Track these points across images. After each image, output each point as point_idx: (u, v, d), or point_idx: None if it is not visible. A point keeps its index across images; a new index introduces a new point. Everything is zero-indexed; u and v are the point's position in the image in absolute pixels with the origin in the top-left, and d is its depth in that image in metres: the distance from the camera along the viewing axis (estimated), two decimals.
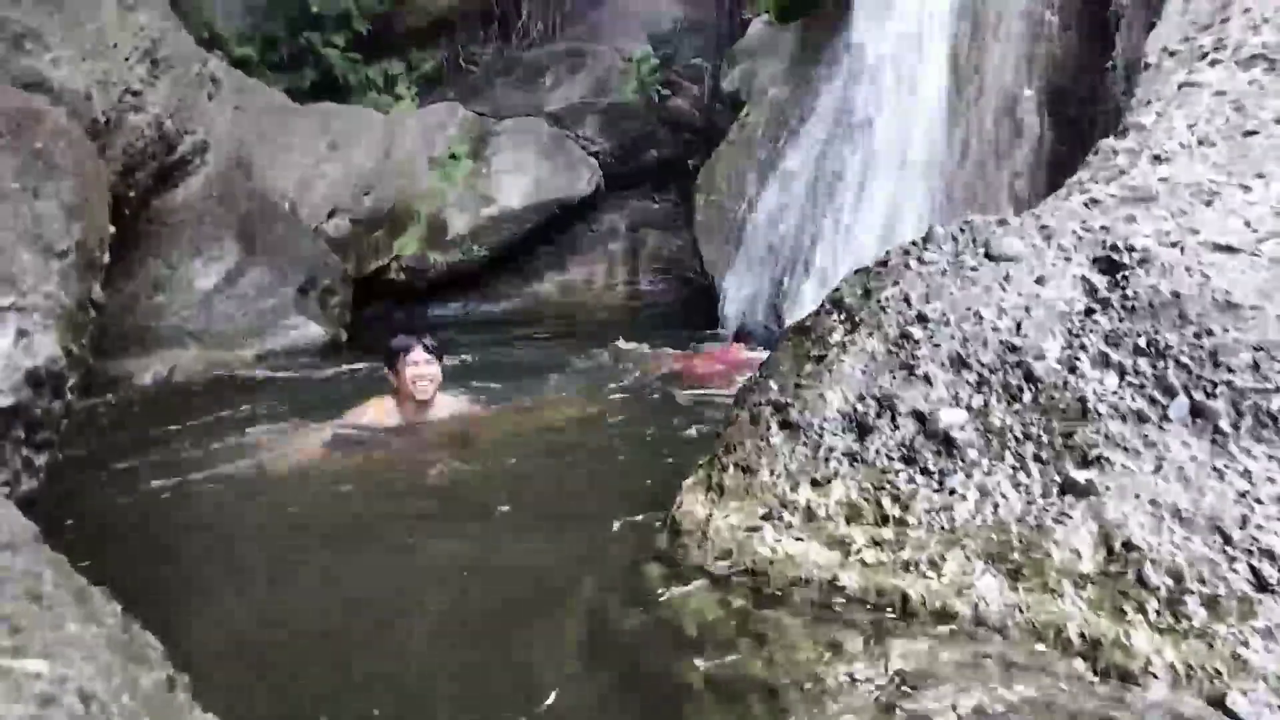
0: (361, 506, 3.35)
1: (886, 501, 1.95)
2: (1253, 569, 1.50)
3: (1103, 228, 2.30)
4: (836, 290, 2.62)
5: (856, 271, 2.67)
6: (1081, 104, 6.02)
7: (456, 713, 1.84)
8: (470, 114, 9.96)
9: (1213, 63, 3.33)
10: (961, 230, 2.52)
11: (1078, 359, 1.99)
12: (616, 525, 2.65)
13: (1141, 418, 1.83)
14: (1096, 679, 1.49)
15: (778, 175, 7.33)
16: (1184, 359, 1.86)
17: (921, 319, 2.28)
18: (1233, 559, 1.52)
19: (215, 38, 9.12)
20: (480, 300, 10.07)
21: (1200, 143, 2.67)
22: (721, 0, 10.22)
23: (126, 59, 6.03)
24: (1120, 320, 2.01)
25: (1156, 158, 2.73)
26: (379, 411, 4.33)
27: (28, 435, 1.86)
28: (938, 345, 2.19)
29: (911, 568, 1.77)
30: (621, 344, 6.55)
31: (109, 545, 2.20)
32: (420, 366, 4.22)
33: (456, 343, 7.82)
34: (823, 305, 2.63)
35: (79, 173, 2.39)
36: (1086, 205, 2.45)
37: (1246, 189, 2.30)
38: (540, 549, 2.65)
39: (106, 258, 2.48)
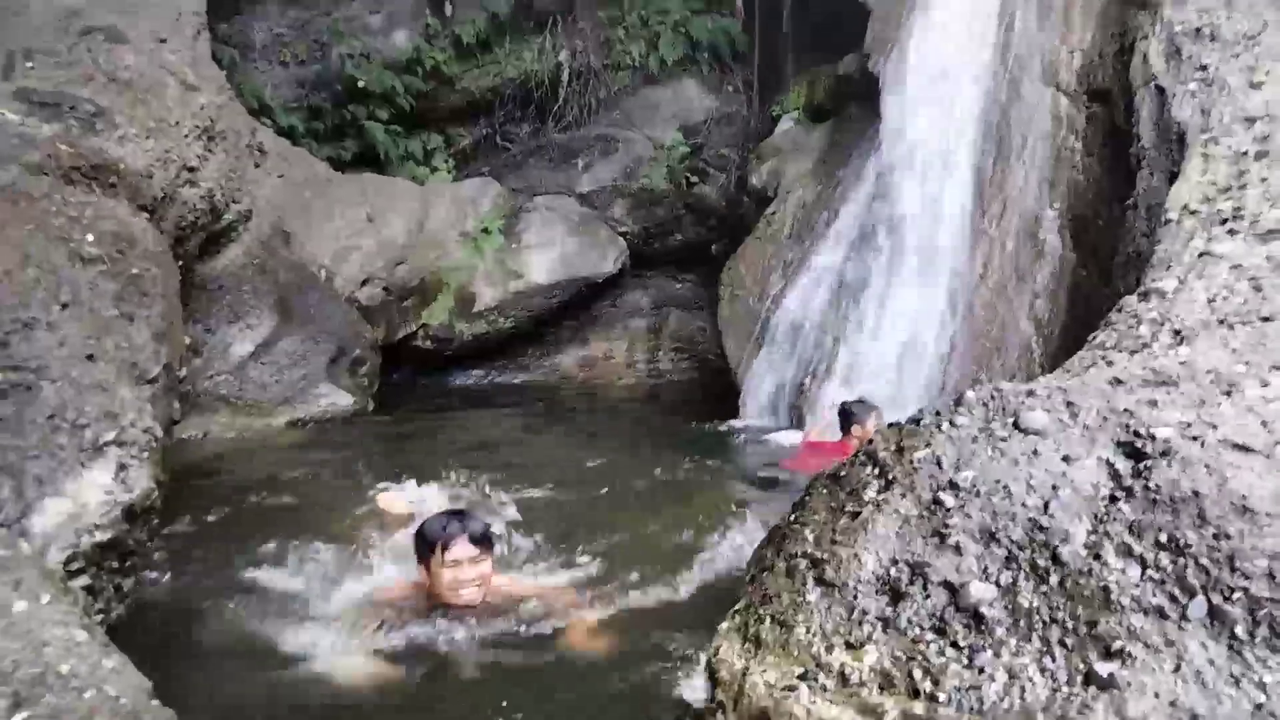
0: None
1: (918, 673, 2.06)
2: None
3: (1126, 410, 2.44)
4: (870, 444, 2.77)
5: (891, 425, 2.82)
6: (1102, 230, 6.22)
7: None
8: (503, 190, 10.27)
9: (1231, 232, 3.51)
10: (992, 397, 2.66)
11: (1102, 546, 2.11)
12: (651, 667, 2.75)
13: (1162, 614, 1.94)
14: None
15: (802, 275, 7.54)
16: (1203, 560, 1.98)
17: (953, 486, 2.42)
18: None
19: (264, 106, 9.48)
20: (502, 370, 10.26)
21: (1220, 322, 2.83)
22: (751, 96, 10.56)
23: (186, 136, 6.31)
24: (1143, 512, 2.14)
25: (1178, 333, 2.88)
26: (405, 595, 3.44)
27: (120, 564, 1.99)
28: (969, 515, 2.32)
29: None
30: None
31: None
32: (464, 569, 3.19)
33: (479, 420, 8.00)
34: (857, 457, 2.77)
35: (166, 294, 2.55)
36: (1111, 384, 2.60)
37: (1264, 384, 2.45)
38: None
39: (184, 372, 2.64)
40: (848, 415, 5.70)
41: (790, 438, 6.71)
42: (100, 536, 1.92)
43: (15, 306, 2.10)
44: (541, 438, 7.37)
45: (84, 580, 1.86)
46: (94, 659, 1.51)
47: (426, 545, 3.25)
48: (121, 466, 2.01)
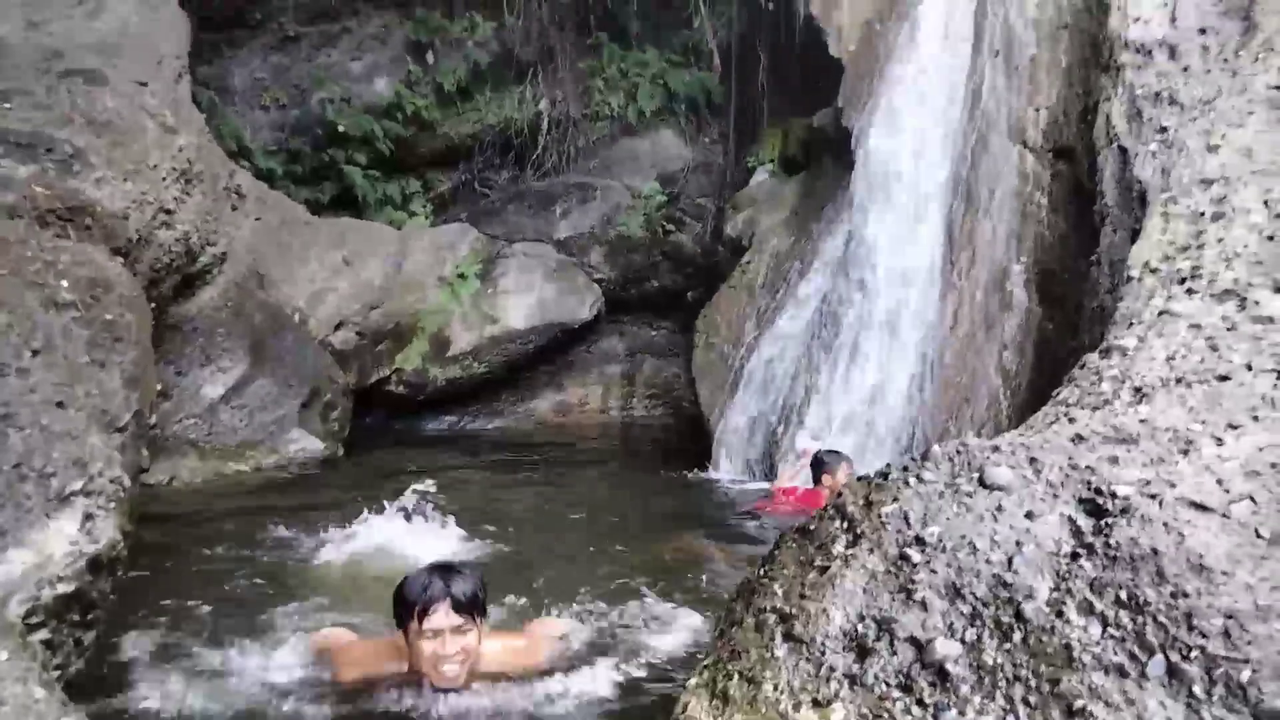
0: None
1: None
2: None
3: (1088, 467, 2.49)
4: (839, 497, 2.79)
5: (860, 479, 2.85)
6: (1067, 283, 6.36)
7: None
8: (481, 236, 10.34)
9: (1190, 291, 3.61)
10: (958, 452, 2.71)
11: (1064, 604, 2.14)
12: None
13: (1123, 672, 1.97)
14: None
15: (775, 325, 7.63)
16: (1161, 618, 2.02)
17: (919, 541, 2.45)
18: None
19: (243, 149, 9.52)
20: (475, 416, 10.24)
21: (1178, 381, 2.90)
22: (727, 147, 10.75)
23: (164, 179, 6.32)
24: (1104, 569, 2.18)
25: (1138, 390, 2.95)
26: (382, 659, 2.96)
27: (81, 617, 1.97)
28: (934, 571, 2.35)
29: None
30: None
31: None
32: (445, 641, 2.71)
33: (451, 466, 7.94)
34: (825, 511, 2.79)
35: (139, 341, 2.55)
36: (1073, 440, 2.65)
37: (1219, 441, 2.51)
38: None
39: (153, 419, 2.63)
40: (819, 464, 5.76)
41: (762, 487, 6.74)
42: (63, 589, 1.89)
43: None
44: (512, 486, 7.33)
45: (43, 634, 1.83)
46: (52, 717, 1.49)
47: (404, 609, 2.74)
48: (88, 516, 1.99)
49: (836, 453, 5.86)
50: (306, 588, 4.26)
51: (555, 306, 10.06)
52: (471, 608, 2.75)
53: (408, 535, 4.93)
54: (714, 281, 9.31)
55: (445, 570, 2.82)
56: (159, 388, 6.90)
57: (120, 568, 2.15)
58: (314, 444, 7.35)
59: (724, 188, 10.53)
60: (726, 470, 7.47)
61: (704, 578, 4.60)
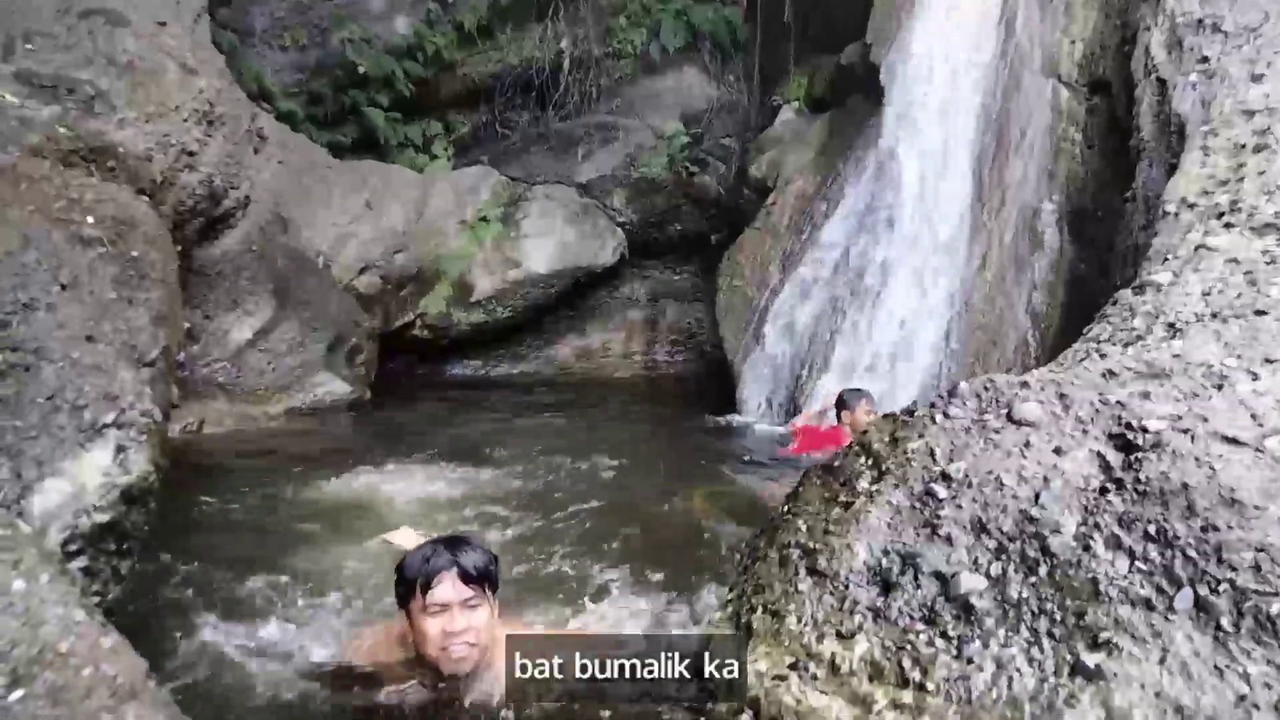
0: None
1: (907, 663, 2.08)
2: None
3: (1118, 403, 2.45)
4: (865, 434, 2.78)
5: (885, 416, 2.84)
6: (1101, 223, 6.23)
7: None
8: (503, 178, 10.25)
9: (1228, 225, 3.52)
10: (985, 388, 2.68)
11: (1092, 538, 2.13)
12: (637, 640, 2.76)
13: (1149, 605, 1.96)
14: None
15: (800, 267, 7.55)
16: (1190, 551, 2.00)
17: (945, 478, 2.43)
18: None
19: (264, 91, 9.44)
20: (499, 361, 10.27)
21: (1214, 316, 2.84)
22: (752, 85, 10.54)
23: (185, 120, 6.29)
24: (1133, 504, 2.16)
25: (1171, 326, 2.90)
26: (382, 650, 2.69)
27: (118, 546, 2.01)
28: (960, 507, 2.34)
29: None
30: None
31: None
32: (453, 616, 2.42)
33: (475, 411, 8.00)
34: (851, 448, 2.79)
35: (165, 278, 2.56)
36: (1104, 376, 2.61)
37: (1255, 376, 2.47)
38: None
39: (181, 356, 2.66)
40: (841, 402, 5.75)
41: (786, 430, 6.74)
42: (99, 518, 1.93)
43: (15, 288, 2.11)
44: (535, 432, 7.38)
45: (82, 562, 1.88)
46: (92, 638, 1.53)
47: (405, 585, 2.48)
48: (120, 448, 2.02)
49: (857, 390, 5.83)
50: (335, 527, 4.32)
51: (577, 250, 10.01)
52: (482, 580, 2.46)
53: (435, 480, 4.99)
54: (738, 224, 9.20)
55: (451, 541, 2.56)
56: (187, 330, 6.98)
57: (153, 500, 2.19)
58: (340, 387, 7.41)
59: (748, 128, 10.35)
60: (751, 414, 7.47)
61: (729, 527, 4.60)
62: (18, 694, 1.36)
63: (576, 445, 6.52)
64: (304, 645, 2.84)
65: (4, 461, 1.85)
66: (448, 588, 2.41)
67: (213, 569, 3.45)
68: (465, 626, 2.43)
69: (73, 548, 1.87)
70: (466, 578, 2.43)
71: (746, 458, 6.24)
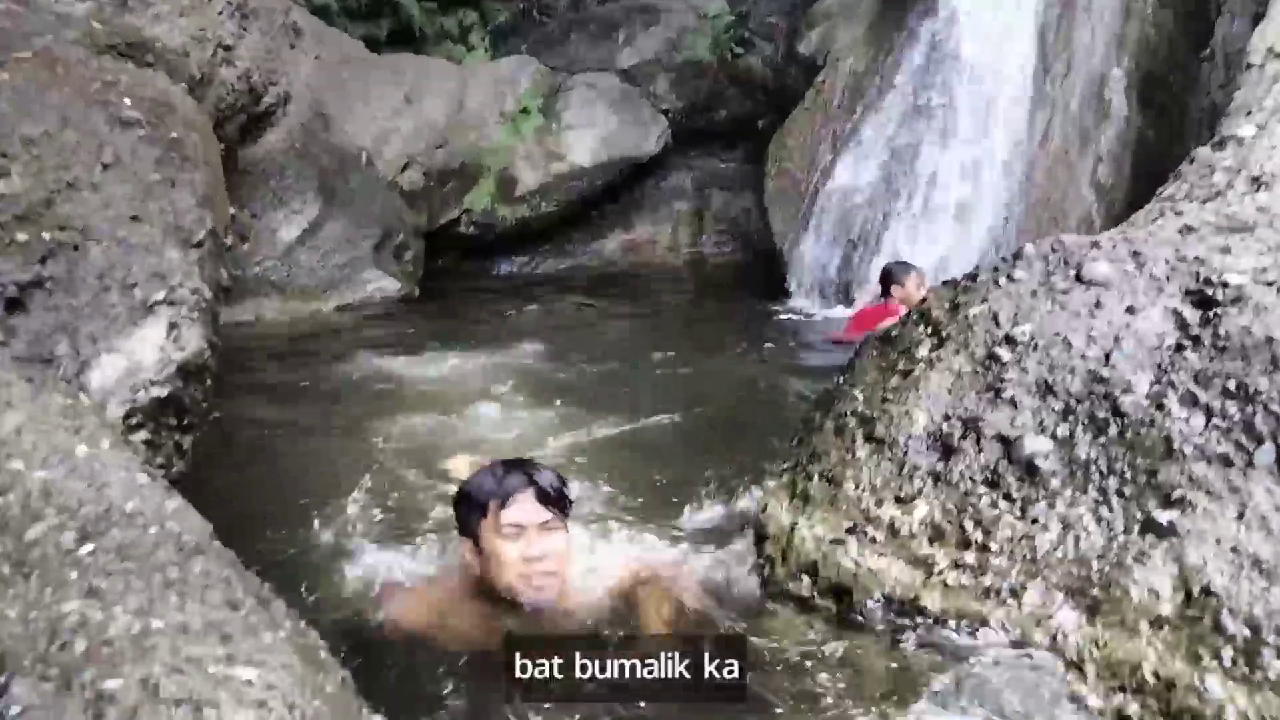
0: None
1: (969, 525, 2.04)
2: None
3: (1197, 258, 2.32)
4: (924, 302, 2.69)
5: (945, 283, 2.74)
6: (1174, 90, 5.88)
7: None
8: (542, 68, 9.97)
9: None
10: (1053, 250, 2.56)
11: (1165, 396, 2.05)
12: (704, 521, 2.78)
13: (1227, 462, 1.89)
14: None
15: (852, 147, 7.29)
16: (1273, 406, 1.91)
17: (1009, 341, 2.35)
18: None
19: None
20: (545, 256, 10.19)
21: None
22: None
23: (220, 13, 6.18)
24: (1210, 360, 2.06)
25: (1255, 180, 2.72)
26: (434, 605, 2.34)
27: (179, 421, 2.04)
28: (1025, 370, 2.26)
29: (992, 594, 1.88)
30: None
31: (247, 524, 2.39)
32: (532, 539, 2.15)
33: (524, 306, 8.01)
34: (909, 316, 2.70)
35: (208, 161, 2.54)
36: (1181, 232, 2.47)
37: None
38: None
39: (229, 240, 2.66)
40: (888, 276, 5.60)
41: (839, 316, 6.63)
42: (157, 392, 1.96)
43: (57, 167, 2.10)
44: (583, 325, 7.36)
45: (144, 435, 1.91)
46: (157, 500, 1.55)
47: (473, 508, 2.21)
48: (173, 325, 2.03)
49: (904, 264, 5.67)
50: (396, 417, 4.40)
51: (620, 140, 9.77)
52: (560, 502, 2.21)
53: (485, 371, 5.03)
54: (785, 108, 8.87)
55: (521, 462, 2.31)
56: (237, 227, 7.02)
57: (210, 377, 2.22)
58: (390, 284, 7.45)
59: (796, 4, 9.86)
60: (802, 301, 7.35)
61: (782, 412, 4.56)
62: (88, 548, 1.38)
63: (625, 338, 6.52)
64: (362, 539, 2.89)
65: (62, 338, 1.88)
66: (525, 507, 2.16)
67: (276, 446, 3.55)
68: (544, 552, 2.16)
69: (133, 421, 1.91)
70: (544, 498, 2.18)
71: (795, 344, 6.17)
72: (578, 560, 2.33)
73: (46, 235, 1.95)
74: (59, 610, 1.23)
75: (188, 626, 1.25)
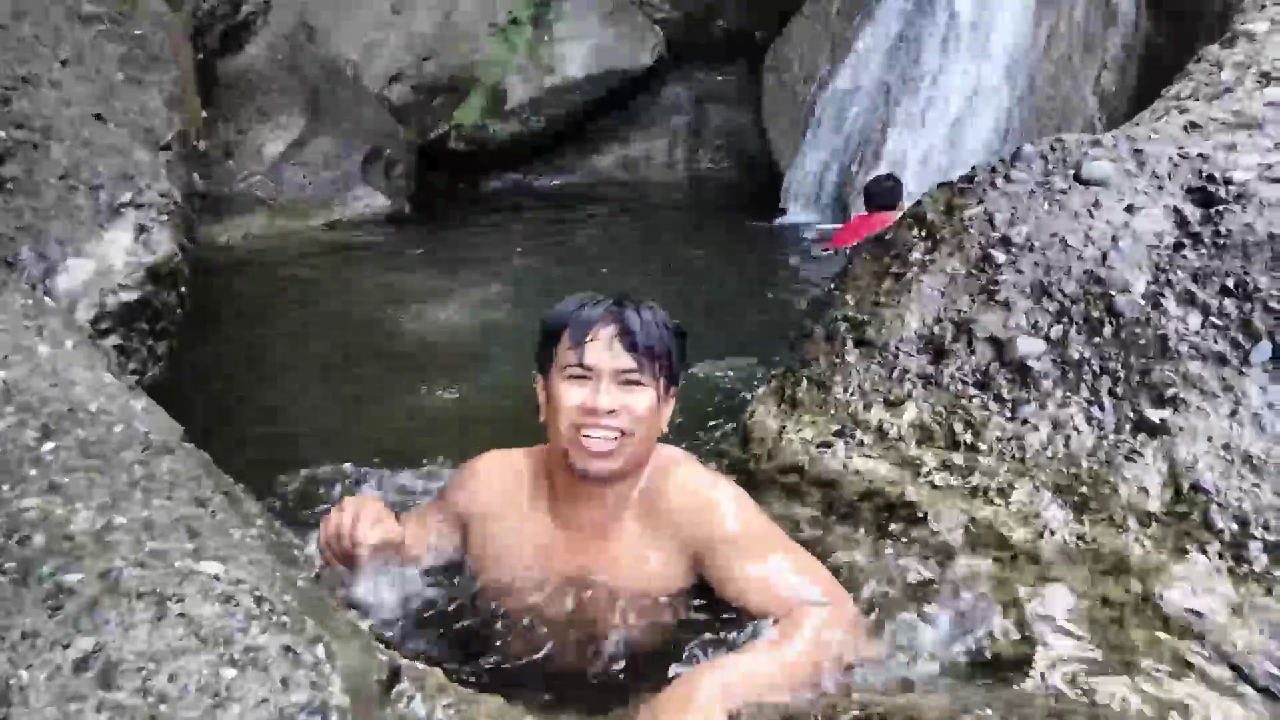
0: None
1: (958, 427, 2.02)
2: None
3: (1200, 155, 2.25)
4: (918, 205, 2.62)
5: (940, 186, 2.66)
6: None
7: None
8: None
9: None
10: (1052, 149, 2.47)
11: (1163, 295, 2.00)
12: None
13: (1222, 360, 1.85)
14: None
15: (851, 54, 7.08)
16: (1272, 303, 1.86)
17: (1005, 242, 2.29)
18: None
19: None
20: (539, 173, 10.02)
21: None
22: None
23: None
24: (1210, 258, 2.00)
25: (1265, 75, 2.63)
26: (502, 480, 1.88)
27: (151, 326, 1.99)
28: (1020, 271, 2.21)
29: (980, 493, 1.86)
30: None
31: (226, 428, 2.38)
32: (600, 389, 1.69)
33: (518, 223, 7.90)
34: (904, 219, 2.63)
35: (176, 62, 2.44)
36: (1185, 129, 2.39)
37: None
38: None
39: (202, 145, 2.58)
40: (870, 196, 5.52)
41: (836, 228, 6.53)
42: (126, 296, 1.91)
43: (12, 61, 2.01)
44: (576, 242, 7.26)
45: (115, 340, 1.87)
46: (123, 400, 1.51)
47: (547, 338, 1.79)
48: (142, 228, 1.97)
49: (892, 183, 5.56)
50: (388, 334, 4.37)
51: (614, 52, 9.51)
52: (651, 354, 1.72)
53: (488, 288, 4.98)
54: (784, 19, 8.60)
55: (623, 297, 1.80)
56: (222, 147, 6.86)
57: (183, 282, 2.17)
58: (380, 200, 7.33)
59: None
60: (799, 215, 7.24)
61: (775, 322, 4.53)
62: (49, 445, 1.35)
63: (620, 253, 6.44)
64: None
65: (25, 240, 1.82)
66: (602, 346, 1.69)
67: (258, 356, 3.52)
68: (615, 407, 1.67)
69: (103, 325, 1.86)
70: (631, 343, 1.69)
71: (792, 255, 6.10)
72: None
73: (1, 133, 1.88)
74: (18, 506, 1.20)
75: (153, 523, 1.23)
